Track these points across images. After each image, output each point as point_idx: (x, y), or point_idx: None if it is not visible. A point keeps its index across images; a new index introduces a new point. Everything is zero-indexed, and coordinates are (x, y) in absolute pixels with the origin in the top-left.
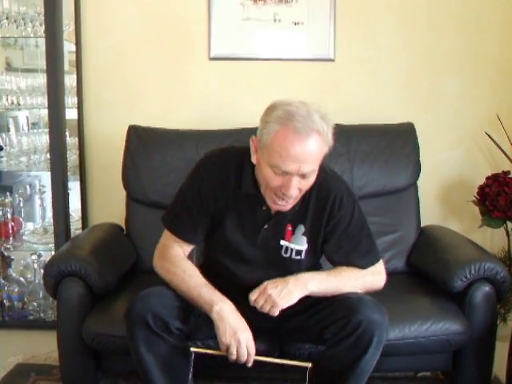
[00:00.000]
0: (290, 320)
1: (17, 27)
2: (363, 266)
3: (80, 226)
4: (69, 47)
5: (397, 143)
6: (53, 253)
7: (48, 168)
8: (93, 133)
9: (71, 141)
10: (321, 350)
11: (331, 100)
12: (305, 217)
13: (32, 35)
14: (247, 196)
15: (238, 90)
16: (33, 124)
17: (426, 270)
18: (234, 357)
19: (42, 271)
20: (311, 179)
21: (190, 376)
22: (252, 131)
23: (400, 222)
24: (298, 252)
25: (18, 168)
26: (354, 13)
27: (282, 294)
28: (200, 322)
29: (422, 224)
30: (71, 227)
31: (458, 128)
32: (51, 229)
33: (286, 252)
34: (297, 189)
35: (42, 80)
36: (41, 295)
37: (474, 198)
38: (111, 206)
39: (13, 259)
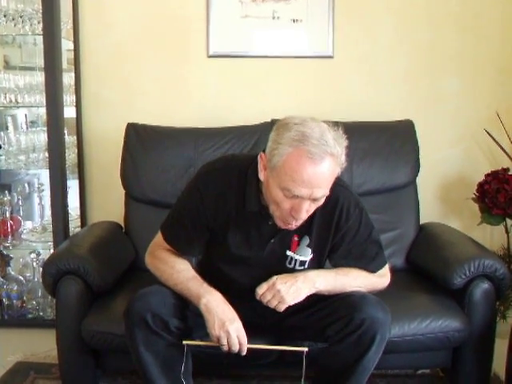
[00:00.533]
0: (290, 318)
1: (15, 25)
2: (371, 271)
3: (79, 224)
4: (67, 45)
5: (396, 141)
6: (52, 251)
7: (47, 166)
8: (91, 131)
9: (70, 139)
10: (323, 348)
11: (330, 97)
12: (311, 227)
13: (30, 33)
14: (252, 212)
15: (237, 87)
16: (31, 122)
17: (425, 268)
18: (225, 347)
19: (41, 269)
20: (321, 201)
21: (183, 369)
22: (251, 129)
23: (399, 219)
24: (302, 263)
25: (16, 166)
26: (352, 10)
27: (290, 291)
28: (199, 321)
29: (422, 221)
30: (70, 225)
31: (457, 125)
32: (50, 227)
33: (290, 263)
34: (306, 211)
35: (40, 78)
36: (40, 294)
37: (474, 196)
38: (110, 204)
39: (12, 258)
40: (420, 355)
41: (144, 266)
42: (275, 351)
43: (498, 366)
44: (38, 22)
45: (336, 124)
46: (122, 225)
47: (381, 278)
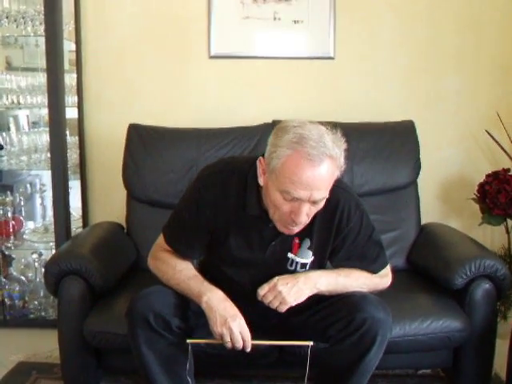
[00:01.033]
0: (291, 318)
1: (17, 26)
2: (372, 272)
3: (81, 224)
4: (69, 46)
5: (397, 141)
6: (53, 251)
7: (48, 167)
8: (93, 131)
9: (72, 140)
10: (324, 348)
11: (331, 98)
12: (311, 230)
13: (32, 34)
14: (252, 215)
15: (238, 88)
16: (33, 123)
17: (426, 268)
18: (229, 345)
19: (43, 270)
20: (321, 205)
21: (188, 367)
22: (252, 130)
23: (400, 219)
24: (303, 265)
25: (18, 167)
26: (353, 11)
27: (291, 292)
28: (201, 321)
29: (422, 222)
30: (72, 226)
31: (457, 126)
32: (52, 228)
33: (291, 265)
34: (306, 215)
35: (42, 79)
36: (42, 294)
37: (474, 196)
38: (112, 204)
39: (14, 258)
40: (421, 355)
41: (146, 266)
42: (278, 348)
43: (499, 366)
44: (40, 23)
45: (334, 127)
46: (124, 225)
47: (382, 279)
